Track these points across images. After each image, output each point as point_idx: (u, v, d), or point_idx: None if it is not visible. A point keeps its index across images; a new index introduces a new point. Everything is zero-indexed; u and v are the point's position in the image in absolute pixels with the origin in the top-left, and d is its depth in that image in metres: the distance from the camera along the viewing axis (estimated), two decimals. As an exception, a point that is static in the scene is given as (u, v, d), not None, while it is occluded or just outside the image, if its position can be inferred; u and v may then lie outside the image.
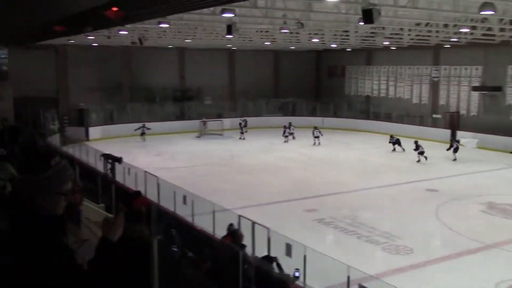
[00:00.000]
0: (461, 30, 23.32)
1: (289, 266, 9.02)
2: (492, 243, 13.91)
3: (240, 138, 33.08)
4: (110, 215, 7.73)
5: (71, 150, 23.15)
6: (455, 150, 26.11)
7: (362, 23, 17.92)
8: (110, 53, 35.40)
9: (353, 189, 19.98)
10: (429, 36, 26.59)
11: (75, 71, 34.80)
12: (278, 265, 8.93)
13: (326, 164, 25.21)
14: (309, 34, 27.30)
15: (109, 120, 34.53)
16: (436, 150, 27.51)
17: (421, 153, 25.49)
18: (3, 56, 34.06)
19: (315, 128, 31.53)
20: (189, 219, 13.43)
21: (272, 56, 43.03)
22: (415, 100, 36.51)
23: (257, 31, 26.73)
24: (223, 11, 15.99)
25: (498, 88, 30.87)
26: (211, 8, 17.11)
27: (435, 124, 33.83)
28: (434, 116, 34.52)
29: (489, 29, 23.20)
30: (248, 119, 36.51)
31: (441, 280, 11.57)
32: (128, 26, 21.44)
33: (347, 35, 27.97)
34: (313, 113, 39.37)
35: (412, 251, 13.22)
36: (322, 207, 17.17)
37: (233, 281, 7.31)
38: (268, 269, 8.23)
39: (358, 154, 27.97)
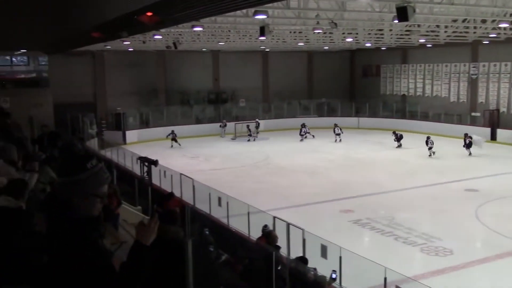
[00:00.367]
0: (500, 25, 22.69)
1: (324, 267, 8.95)
2: (535, 244, 13.49)
3: (248, 140, 32.91)
4: (147, 217, 7.84)
5: (109, 153, 23.62)
6: (469, 146, 26.53)
7: (396, 21, 17.64)
8: (146, 58, 36.02)
9: (390, 190, 19.69)
10: (466, 32, 25.95)
11: (112, 76, 35.56)
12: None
13: (363, 165, 24.92)
14: (343, 33, 27.07)
15: (145, 123, 35.06)
16: (475, 149, 26.83)
17: (430, 148, 26.33)
18: (43, 64, 35.12)
19: (336, 125, 32.21)
20: (224, 220, 13.50)
21: (305, 57, 42.89)
22: (452, 98, 35.75)
23: (290, 32, 26.69)
24: (256, 13, 16.00)
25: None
26: (244, 10, 17.16)
27: (474, 122, 33.00)
28: (473, 114, 33.69)
29: (530, 23, 22.49)
30: (282, 120, 36.51)
31: (482, 282, 11.30)
32: (163, 30, 21.78)
33: (382, 34, 27.62)
34: (348, 113, 39.00)
35: (451, 252, 12.93)
36: (358, 208, 16.99)
37: (267, 282, 7.30)
38: (303, 270, 8.18)
39: (395, 154, 27.55)
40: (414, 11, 13.95)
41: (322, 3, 18.04)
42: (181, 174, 16.76)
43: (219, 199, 13.72)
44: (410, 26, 24.22)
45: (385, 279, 8.11)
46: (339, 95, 41.04)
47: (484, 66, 33.52)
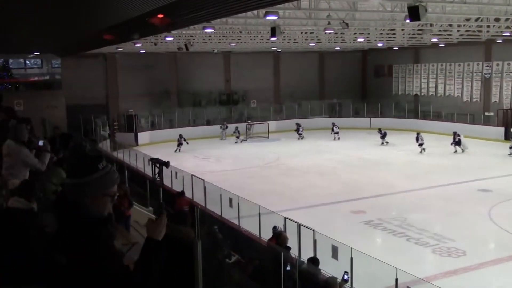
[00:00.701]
0: (514, 24, 22.48)
1: (336, 268, 8.93)
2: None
3: (236, 142, 32.65)
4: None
5: (121, 155, 23.77)
6: (458, 143, 27.15)
7: (408, 21, 17.55)
8: (157, 60, 36.19)
9: (402, 190, 19.57)
10: (479, 31, 25.73)
11: (124, 78, 35.78)
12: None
13: (374, 165, 24.79)
14: (354, 33, 26.99)
15: (157, 125, 35.22)
16: (489, 149, 26.61)
17: (421, 144, 27.23)
18: (56, 66, 35.46)
19: (334, 124, 33.11)
20: (235, 221, 13.51)
21: (317, 57, 42.81)
22: (465, 98, 35.46)
23: (301, 33, 26.67)
24: (267, 13, 16.01)
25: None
26: (255, 11, 17.18)
27: (487, 122, 32.69)
28: (486, 114, 33.37)
29: (544, 22, 22.24)
30: (294, 121, 36.45)
31: (495, 284, 11.18)
32: (174, 32, 21.87)
33: (394, 34, 27.48)
34: (359, 114, 38.86)
35: (464, 253, 12.81)
36: (370, 209, 16.90)
37: (276, 283, 7.30)
38: (314, 271, 8.16)
39: (407, 155, 27.38)
40: (426, 10, 13.87)
41: (333, 3, 18.00)
42: (192, 175, 16.82)
43: (230, 200, 13.74)
44: (422, 25, 24.06)
45: (397, 280, 8.06)
46: (351, 96, 40.88)
47: (497, 65, 33.21)
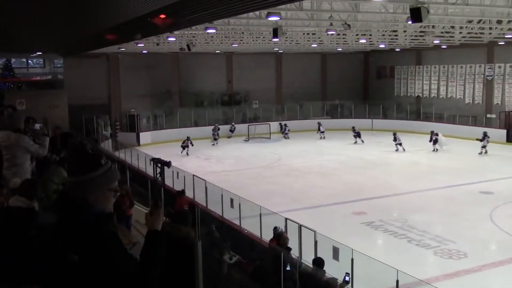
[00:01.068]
0: (516, 26, 22.44)
1: (336, 269, 8.92)
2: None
3: (213, 145, 32.27)
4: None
5: (123, 155, 23.79)
6: (435, 142, 28.12)
7: (410, 22, 17.55)
8: (160, 60, 36.21)
9: (404, 192, 19.56)
10: (481, 33, 25.70)
11: (126, 78, 35.80)
12: None
13: (376, 167, 24.78)
14: (356, 35, 26.99)
15: (159, 125, 35.24)
16: (490, 151, 26.56)
17: (399, 144, 28.31)
18: (58, 66, 35.52)
19: (320, 124, 34.16)
20: (236, 222, 13.51)
21: (319, 58, 42.80)
22: (467, 100, 35.42)
23: (303, 34, 26.67)
24: (269, 14, 16.02)
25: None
26: (257, 12, 17.19)
27: (489, 124, 32.63)
28: (488, 116, 33.33)
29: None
30: (295, 122, 36.45)
31: (496, 286, 11.15)
32: (176, 32, 21.89)
33: (396, 35, 27.47)
34: (361, 115, 38.82)
35: (465, 255, 12.80)
36: (371, 210, 16.89)
37: (277, 284, 7.30)
38: (314, 272, 8.15)
39: (409, 156, 27.37)
40: (428, 12, 13.85)
41: (335, 5, 18.00)
42: (193, 175, 16.83)
43: (232, 200, 13.73)
44: (424, 27, 24.06)
45: (397, 281, 8.04)
46: (353, 97, 40.88)
47: (499, 67, 33.17)
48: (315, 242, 10.01)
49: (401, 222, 15.54)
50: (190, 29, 20.78)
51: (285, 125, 35.53)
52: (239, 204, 13.57)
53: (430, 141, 28.43)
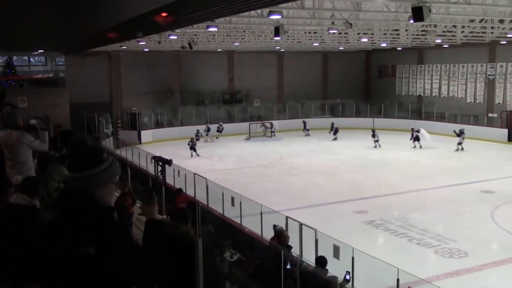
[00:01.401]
0: (518, 25, 22.42)
1: (337, 268, 8.92)
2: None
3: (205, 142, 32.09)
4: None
5: (124, 153, 23.80)
6: (416, 139, 28.70)
7: (412, 21, 17.52)
8: (161, 58, 36.22)
9: (405, 191, 19.55)
10: (483, 32, 25.68)
11: (128, 76, 35.82)
12: None
13: (377, 165, 24.77)
14: (358, 34, 26.96)
15: (161, 123, 35.25)
16: (492, 150, 26.54)
17: (377, 141, 29.03)
18: (60, 64, 35.53)
19: (304, 122, 35.06)
20: (237, 220, 13.52)
21: (320, 57, 42.76)
22: (469, 99, 35.39)
23: (305, 32, 26.64)
24: (271, 13, 16.01)
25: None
26: (259, 11, 17.18)
27: (491, 123, 32.61)
28: (490, 115, 33.30)
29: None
30: (297, 120, 36.47)
31: (497, 285, 11.15)
32: (178, 31, 21.89)
33: (397, 34, 27.44)
34: (363, 114, 38.80)
35: (466, 254, 12.80)
36: (372, 209, 16.89)
37: (277, 282, 7.30)
38: (315, 271, 8.15)
39: (410, 155, 27.37)
40: (430, 11, 13.85)
41: (337, 3, 17.98)
42: (195, 173, 16.84)
43: (232, 198, 13.74)
44: (426, 26, 24.04)
45: (398, 280, 8.05)
46: (354, 96, 40.84)
47: (501, 66, 33.13)
48: (316, 241, 10.02)
49: (402, 221, 15.54)
50: (192, 27, 20.75)
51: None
52: (240, 203, 13.58)
53: (411, 138, 28.95)
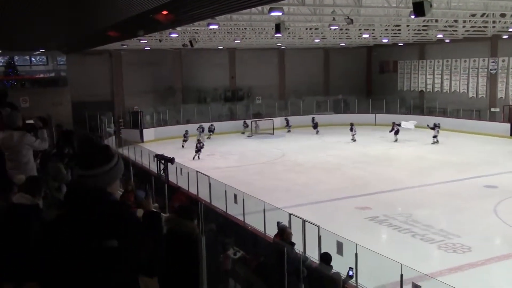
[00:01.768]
0: (520, 19, 22.32)
1: (340, 264, 8.91)
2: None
3: (183, 146, 30.12)
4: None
5: (126, 151, 23.81)
6: (396, 133, 29.28)
7: (413, 17, 17.48)
8: (162, 56, 36.22)
9: (408, 186, 19.54)
10: (485, 27, 25.59)
11: (129, 75, 35.84)
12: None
13: (379, 161, 24.76)
14: (359, 29, 26.91)
15: (162, 121, 35.23)
16: (494, 145, 26.49)
17: (354, 135, 29.87)
18: (62, 63, 35.55)
19: (287, 119, 35.60)
20: (240, 217, 13.52)
21: (321, 54, 42.70)
22: (471, 94, 35.32)
23: (306, 29, 26.60)
24: (271, 9, 15.98)
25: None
26: (260, 8, 17.16)
27: (493, 118, 32.55)
28: (492, 110, 33.23)
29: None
30: (299, 117, 36.41)
31: (501, 280, 11.14)
32: (179, 28, 21.88)
33: (399, 29, 27.38)
34: (365, 110, 38.71)
35: (470, 249, 12.78)
36: (375, 205, 16.88)
37: (280, 279, 7.30)
38: (319, 267, 8.14)
39: (413, 151, 27.33)
40: (431, 6, 13.78)
41: (337, -1, 17.94)
42: (197, 171, 16.83)
43: (235, 196, 13.73)
44: (427, 21, 23.97)
45: (401, 276, 8.04)
46: (356, 92, 40.76)
47: (503, 61, 33.04)
48: (319, 237, 10.00)
49: (405, 216, 15.53)
50: (193, 25, 20.75)
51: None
52: (243, 200, 13.57)
53: (391, 131, 29.52)
